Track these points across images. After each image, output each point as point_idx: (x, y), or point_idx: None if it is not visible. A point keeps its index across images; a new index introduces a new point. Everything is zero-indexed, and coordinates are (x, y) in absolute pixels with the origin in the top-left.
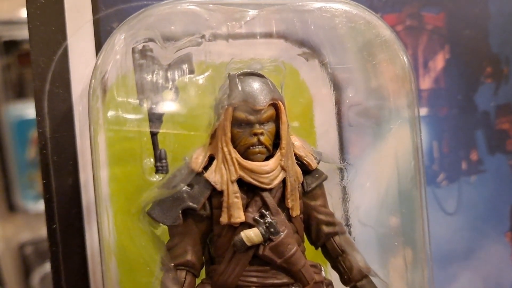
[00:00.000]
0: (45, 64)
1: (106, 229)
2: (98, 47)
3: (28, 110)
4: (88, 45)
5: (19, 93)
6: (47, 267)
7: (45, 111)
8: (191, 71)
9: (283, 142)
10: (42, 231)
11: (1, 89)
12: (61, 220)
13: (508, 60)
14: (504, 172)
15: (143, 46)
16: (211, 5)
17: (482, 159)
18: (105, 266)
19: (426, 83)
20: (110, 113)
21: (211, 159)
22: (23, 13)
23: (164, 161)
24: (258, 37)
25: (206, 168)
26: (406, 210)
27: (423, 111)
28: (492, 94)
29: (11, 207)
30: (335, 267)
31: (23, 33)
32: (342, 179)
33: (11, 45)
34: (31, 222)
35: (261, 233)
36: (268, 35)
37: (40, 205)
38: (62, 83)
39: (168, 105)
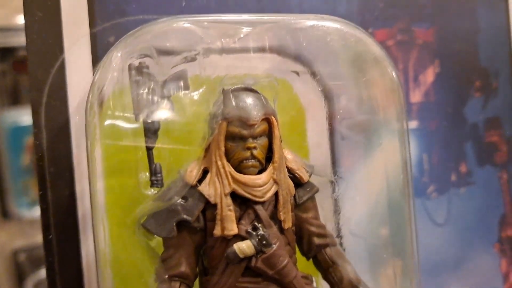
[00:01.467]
0: (42, 76)
1: (102, 240)
2: (95, 60)
3: (23, 117)
4: (85, 58)
5: (14, 100)
6: (40, 274)
7: (42, 123)
8: (186, 87)
9: (276, 156)
10: (35, 238)
11: None
12: (57, 231)
13: (497, 74)
14: (492, 184)
15: (139, 63)
16: (205, 23)
17: (471, 171)
18: (101, 276)
19: (416, 97)
20: (107, 128)
21: (205, 172)
22: (19, 20)
23: (159, 175)
24: (252, 52)
25: (200, 181)
26: (396, 221)
27: (414, 124)
28: (481, 107)
29: (5, 214)
30: (326, 278)
31: (18, 40)
32: (333, 191)
33: (7, 52)
34: (25, 229)
35: (253, 245)
36: (261, 50)
37: (34, 212)
38: (59, 96)
39: (163, 121)
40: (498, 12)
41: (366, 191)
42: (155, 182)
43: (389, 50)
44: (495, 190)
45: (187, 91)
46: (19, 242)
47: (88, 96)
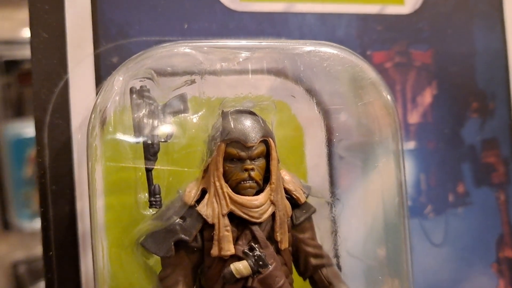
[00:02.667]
0: (46, 96)
1: (101, 258)
2: (98, 80)
3: (26, 129)
4: (88, 78)
5: (18, 112)
6: (40, 286)
7: (45, 141)
8: (186, 110)
9: (273, 177)
10: (36, 250)
11: (0, 108)
12: (57, 247)
13: (493, 95)
14: (490, 205)
15: (141, 87)
16: (205, 48)
17: (469, 192)
18: None
19: (414, 118)
20: (108, 150)
21: (203, 192)
22: (24, 33)
23: (158, 196)
24: (250, 75)
25: (198, 201)
26: (392, 241)
27: (411, 144)
28: (478, 128)
29: (6, 226)
30: None
31: (23, 53)
32: (330, 211)
33: (12, 65)
34: (25, 241)
35: (250, 265)
36: (260, 73)
37: (35, 224)
38: (62, 115)
39: (163, 143)
40: (494, 35)
41: (362, 211)
42: (154, 203)
43: (387, 72)
44: (492, 210)
45: (186, 114)
46: (20, 254)
47: (90, 118)
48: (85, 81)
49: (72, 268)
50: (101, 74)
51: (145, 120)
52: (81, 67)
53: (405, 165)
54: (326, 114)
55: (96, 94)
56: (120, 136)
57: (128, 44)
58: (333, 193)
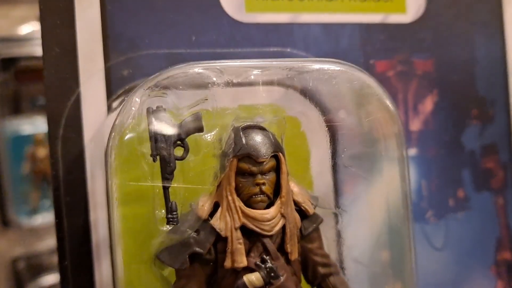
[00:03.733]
0: (59, 109)
1: (119, 267)
2: (109, 93)
3: (23, 126)
4: (100, 91)
5: (15, 109)
6: (39, 281)
7: (59, 154)
8: (200, 130)
9: (283, 191)
10: (35, 246)
11: None
12: (72, 258)
13: (493, 102)
14: (489, 209)
15: (157, 107)
16: (217, 67)
17: (469, 197)
18: None
19: (415, 125)
20: (126, 168)
21: (216, 205)
22: (21, 31)
23: (175, 213)
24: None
25: (211, 214)
26: (396, 245)
27: (413, 151)
28: (478, 134)
29: (5, 222)
30: None
31: (20, 51)
32: (337, 222)
33: (9, 62)
34: (24, 237)
35: (262, 277)
36: (270, 84)
37: (34, 220)
38: (74, 128)
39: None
40: (494, 43)
41: (368, 217)
42: (171, 219)
43: (389, 81)
44: (491, 214)
45: (201, 133)
46: (19, 250)
47: (109, 138)
48: (97, 94)
49: (87, 277)
50: (112, 87)
51: (161, 139)
52: (93, 81)
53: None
54: (333, 126)
55: (108, 107)
56: (138, 154)
57: (138, 57)
58: (338, 203)
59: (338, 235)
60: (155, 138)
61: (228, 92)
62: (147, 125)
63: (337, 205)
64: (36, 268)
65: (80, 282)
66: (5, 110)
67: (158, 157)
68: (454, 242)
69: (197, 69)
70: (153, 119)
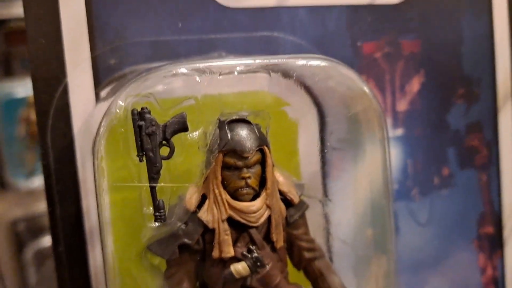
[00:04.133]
0: (47, 100)
1: (110, 252)
2: (97, 82)
3: (16, 89)
4: (87, 81)
5: (6, 72)
6: (40, 243)
7: (49, 144)
8: (185, 129)
9: (268, 183)
10: (34, 208)
11: None
12: (66, 244)
13: (479, 81)
14: (472, 185)
15: (141, 108)
16: (201, 66)
17: (453, 174)
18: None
19: (402, 106)
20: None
21: (203, 197)
22: None
23: (162, 211)
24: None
25: (199, 205)
26: (379, 223)
27: (399, 131)
28: (463, 113)
29: (2, 185)
30: (315, 287)
31: (8, 12)
32: (323, 209)
33: None
34: (22, 199)
35: (248, 266)
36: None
37: (31, 183)
38: (63, 118)
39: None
40: (482, 21)
41: (353, 196)
42: (159, 217)
43: (376, 62)
44: (475, 190)
45: (186, 132)
46: (18, 212)
47: (94, 142)
48: (84, 83)
49: (81, 262)
50: (99, 76)
51: (147, 140)
52: (80, 70)
53: (392, 152)
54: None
55: (96, 96)
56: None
57: (124, 46)
58: (325, 190)
59: (325, 217)
60: (141, 139)
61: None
62: (132, 127)
63: (324, 189)
64: (36, 229)
65: (75, 268)
66: None
67: (144, 158)
68: (438, 218)
69: (180, 69)
70: (138, 121)
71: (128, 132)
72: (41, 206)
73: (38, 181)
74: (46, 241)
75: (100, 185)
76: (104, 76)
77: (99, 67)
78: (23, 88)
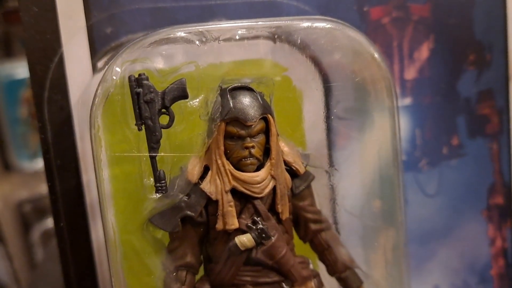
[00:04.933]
0: (42, 71)
1: (111, 227)
2: (93, 52)
3: (17, 69)
4: (83, 51)
5: (7, 53)
6: (46, 223)
7: (46, 117)
8: (185, 96)
9: (273, 153)
10: (39, 189)
11: None
12: (67, 218)
13: (491, 46)
14: (483, 155)
15: (139, 75)
16: (201, 30)
17: (463, 144)
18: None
19: (411, 73)
20: (111, 139)
21: (206, 169)
22: None
23: (163, 181)
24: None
25: (202, 177)
26: (387, 195)
27: (408, 100)
28: (474, 80)
29: (7, 167)
30: (322, 259)
31: None
32: (329, 177)
33: None
34: (27, 180)
35: (253, 238)
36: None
37: (36, 164)
38: (60, 90)
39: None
40: None
41: (360, 167)
42: (160, 188)
43: (384, 28)
44: (485, 160)
45: (186, 99)
46: (23, 193)
47: (91, 111)
48: (80, 54)
49: (83, 236)
50: (96, 45)
51: (145, 108)
52: (75, 40)
53: (400, 121)
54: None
55: (92, 67)
56: (122, 124)
57: (121, 14)
58: (330, 160)
59: (331, 188)
60: (139, 107)
61: (213, 49)
62: (130, 94)
63: (330, 159)
64: (42, 210)
65: (77, 242)
66: None
67: (143, 127)
68: (447, 189)
69: (178, 32)
70: (136, 88)
71: (126, 101)
72: (46, 187)
73: (42, 162)
74: (52, 221)
75: (98, 157)
76: (100, 45)
77: (95, 36)
78: (23, 68)
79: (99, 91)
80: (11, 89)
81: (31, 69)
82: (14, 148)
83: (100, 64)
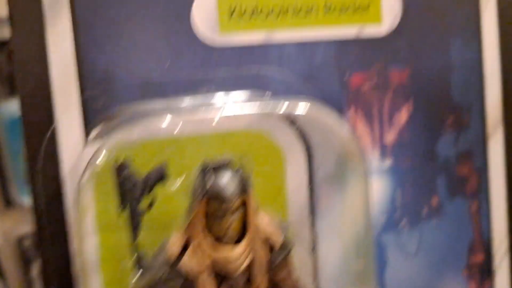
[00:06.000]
0: (36, 144)
1: None
2: (87, 125)
3: None
4: (76, 124)
5: (12, 91)
6: None
7: (40, 188)
8: (165, 180)
9: (252, 228)
10: None
11: None
12: (58, 283)
13: (469, 108)
14: (462, 214)
15: (121, 164)
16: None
17: (443, 204)
18: None
19: (390, 137)
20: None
21: (187, 242)
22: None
23: (143, 262)
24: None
25: (183, 251)
26: (364, 255)
27: (388, 163)
28: (453, 142)
29: (8, 202)
30: None
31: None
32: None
33: (1, 44)
34: (28, 216)
35: None
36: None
37: None
38: (52, 162)
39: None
40: (471, 47)
41: (340, 231)
42: (139, 268)
43: (364, 96)
44: (464, 219)
45: (166, 181)
46: (24, 228)
47: (78, 195)
48: (73, 127)
49: None
50: (89, 118)
51: (128, 194)
52: (69, 114)
53: (380, 184)
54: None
55: (86, 139)
56: (106, 207)
57: (114, 88)
58: (313, 236)
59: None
60: (121, 194)
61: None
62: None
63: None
64: None
65: None
66: (1, 92)
67: (126, 209)
68: (427, 249)
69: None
70: (119, 176)
71: (111, 182)
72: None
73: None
74: None
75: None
76: (93, 118)
77: (89, 110)
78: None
79: (86, 172)
80: (14, 126)
81: (25, 143)
82: (16, 184)
83: (91, 136)
